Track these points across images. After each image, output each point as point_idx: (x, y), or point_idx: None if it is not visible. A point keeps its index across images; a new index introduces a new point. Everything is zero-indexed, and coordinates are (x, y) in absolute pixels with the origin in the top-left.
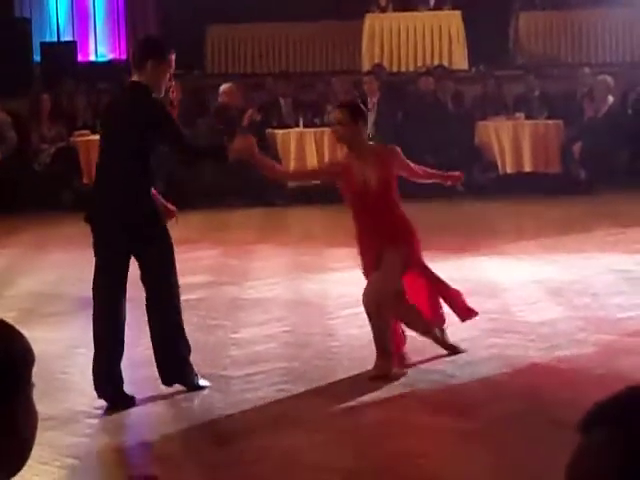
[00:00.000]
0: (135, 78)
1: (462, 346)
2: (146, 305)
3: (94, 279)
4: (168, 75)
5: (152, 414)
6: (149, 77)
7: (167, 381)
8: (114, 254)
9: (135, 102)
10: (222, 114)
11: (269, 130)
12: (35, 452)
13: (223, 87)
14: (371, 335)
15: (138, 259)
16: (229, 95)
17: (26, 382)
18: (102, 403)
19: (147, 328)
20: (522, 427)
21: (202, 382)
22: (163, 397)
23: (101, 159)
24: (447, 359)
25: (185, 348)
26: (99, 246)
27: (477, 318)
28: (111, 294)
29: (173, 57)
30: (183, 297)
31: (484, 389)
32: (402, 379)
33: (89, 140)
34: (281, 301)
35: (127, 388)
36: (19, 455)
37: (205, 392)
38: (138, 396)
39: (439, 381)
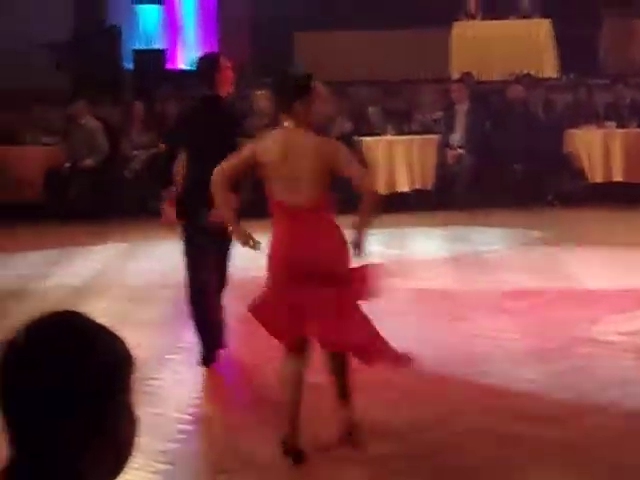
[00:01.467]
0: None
1: None
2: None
3: (192, 272)
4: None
5: (241, 420)
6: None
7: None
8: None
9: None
10: None
11: (357, 138)
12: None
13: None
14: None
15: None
16: (323, 99)
17: (126, 387)
18: (194, 410)
19: None
20: (615, 439)
21: None
22: (252, 404)
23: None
24: (537, 369)
25: None
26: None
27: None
28: (206, 282)
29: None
30: None
31: (577, 400)
32: (494, 387)
33: None
34: None
35: None
36: (115, 459)
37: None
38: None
39: (530, 391)
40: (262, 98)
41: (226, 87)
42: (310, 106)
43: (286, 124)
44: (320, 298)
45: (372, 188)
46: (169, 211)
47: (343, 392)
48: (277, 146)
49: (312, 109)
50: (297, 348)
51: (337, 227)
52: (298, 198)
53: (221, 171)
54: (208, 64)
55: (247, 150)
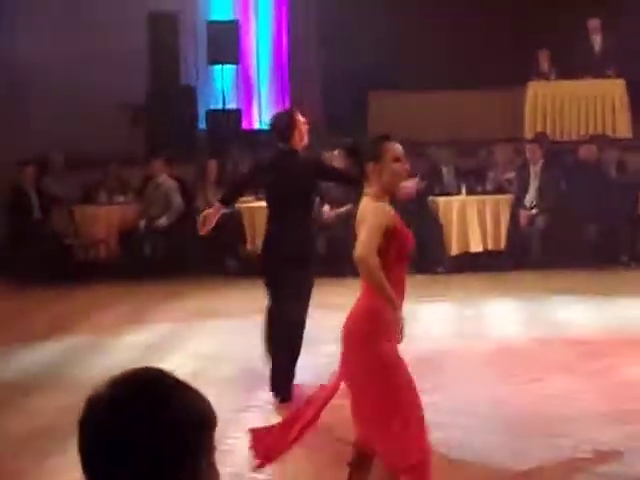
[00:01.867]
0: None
1: None
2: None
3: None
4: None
5: (322, 476)
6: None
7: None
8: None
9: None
10: None
11: (431, 197)
12: None
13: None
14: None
15: None
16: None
17: (206, 444)
18: (272, 466)
19: None
20: None
21: None
22: (332, 458)
23: None
24: (614, 430)
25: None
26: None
27: None
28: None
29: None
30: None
31: None
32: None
33: (253, 207)
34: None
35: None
36: None
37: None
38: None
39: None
40: (336, 159)
41: (301, 142)
42: (383, 169)
43: (366, 189)
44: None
45: (358, 258)
46: (209, 221)
47: None
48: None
49: (387, 172)
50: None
51: (369, 304)
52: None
53: (373, 253)
54: (284, 119)
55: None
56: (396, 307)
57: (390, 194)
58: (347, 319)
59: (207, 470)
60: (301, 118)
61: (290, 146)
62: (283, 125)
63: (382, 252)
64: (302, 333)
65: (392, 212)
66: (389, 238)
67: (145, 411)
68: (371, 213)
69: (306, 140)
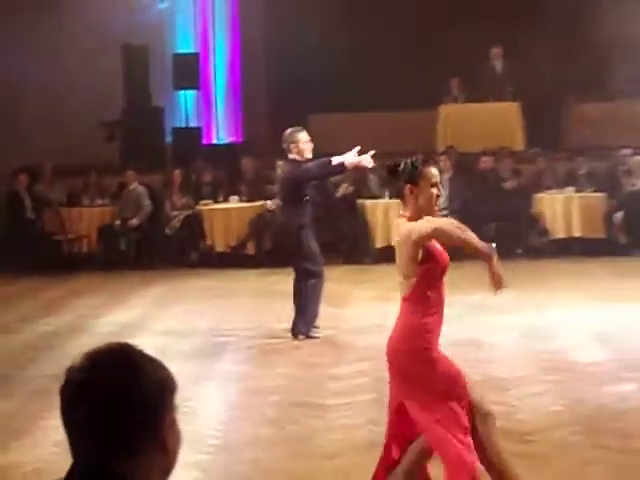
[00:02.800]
0: None
1: None
2: None
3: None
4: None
5: (262, 435)
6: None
7: None
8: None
9: None
10: None
11: (360, 200)
12: None
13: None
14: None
15: None
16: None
17: (172, 405)
18: (223, 427)
19: None
20: (580, 452)
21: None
22: (271, 421)
23: None
24: (511, 392)
25: None
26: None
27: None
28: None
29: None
30: (284, 342)
31: (544, 418)
32: None
33: (212, 209)
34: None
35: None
36: (166, 466)
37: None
38: (246, 424)
39: (504, 411)
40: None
41: (305, 154)
42: (420, 193)
43: (402, 211)
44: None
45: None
46: None
47: None
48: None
49: (424, 196)
50: None
51: (412, 322)
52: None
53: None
54: (292, 136)
55: None
56: (486, 250)
57: (422, 217)
58: (392, 341)
59: (170, 426)
60: (307, 137)
61: (295, 157)
62: (290, 140)
63: (427, 272)
64: None
65: None
66: (430, 258)
67: (117, 377)
68: (419, 223)
69: (310, 154)
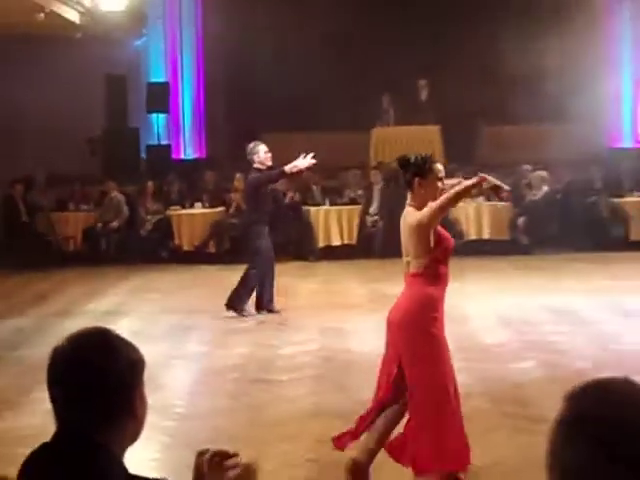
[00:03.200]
0: None
1: None
2: None
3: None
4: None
5: (221, 406)
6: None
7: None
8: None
9: None
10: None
11: (305, 207)
12: None
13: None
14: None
15: None
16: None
17: (142, 381)
18: (188, 398)
19: None
20: (486, 419)
21: None
22: (229, 394)
23: None
24: None
25: None
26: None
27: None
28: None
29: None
30: (241, 325)
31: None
32: None
33: (180, 214)
34: (313, 326)
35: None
36: (136, 431)
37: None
38: (208, 396)
39: None
40: (239, 180)
41: (266, 162)
42: (428, 185)
43: (409, 200)
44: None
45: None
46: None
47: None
48: None
49: (431, 188)
50: None
51: (418, 293)
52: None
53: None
54: (254, 149)
55: None
56: (475, 182)
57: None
58: (396, 310)
59: (139, 399)
60: (267, 151)
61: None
62: (253, 153)
63: (431, 252)
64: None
65: None
66: (440, 242)
67: (96, 357)
68: (424, 211)
69: (269, 163)
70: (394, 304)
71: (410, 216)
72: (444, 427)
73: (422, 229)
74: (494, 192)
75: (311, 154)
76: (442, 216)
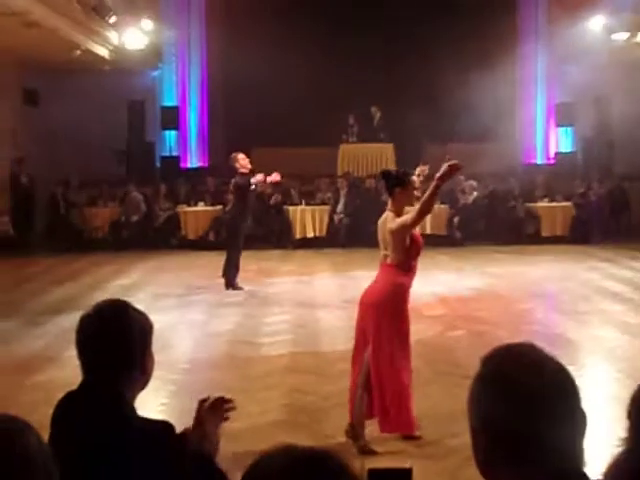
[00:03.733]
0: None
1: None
2: None
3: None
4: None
5: (217, 363)
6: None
7: None
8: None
9: None
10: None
11: (285, 206)
12: (151, 382)
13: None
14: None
15: None
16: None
17: (150, 342)
18: (191, 356)
19: None
20: (425, 376)
21: None
22: (223, 354)
23: None
24: None
25: None
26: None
27: None
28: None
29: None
30: (233, 299)
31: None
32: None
33: (186, 210)
34: (290, 300)
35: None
36: (144, 382)
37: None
38: (206, 355)
39: None
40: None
41: (247, 166)
42: (406, 194)
43: (389, 206)
44: None
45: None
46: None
47: None
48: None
49: (408, 197)
50: None
51: (390, 280)
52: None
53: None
54: (234, 158)
55: None
56: (437, 182)
57: (404, 210)
58: (371, 293)
59: (148, 356)
60: (245, 157)
61: (238, 170)
62: (233, 161)
63: (407, 250)
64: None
65: None
66: (413, 241)
67: (115, 322)
68: (404, 217)
69: (248, 168)
70: (368, 288)
71: (391, 221)
72: (404, 397)
73: (404, 231)
74: (455, 173)
75: (278, 174)
76: (422, 221)
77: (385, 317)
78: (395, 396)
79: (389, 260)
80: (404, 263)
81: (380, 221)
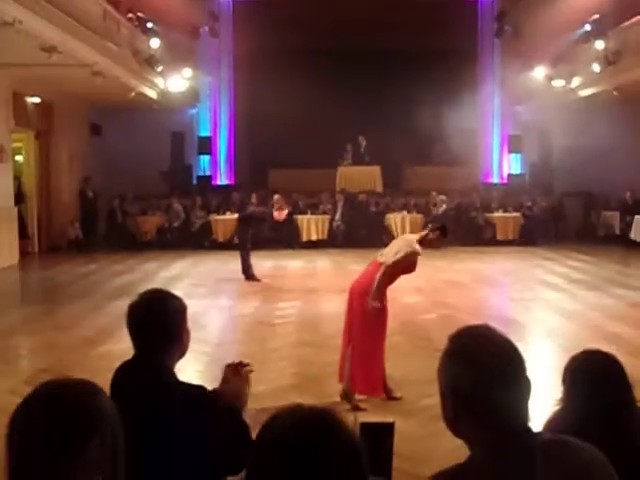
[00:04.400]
0: None
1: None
2: None
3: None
4: None
5: (241, 339)
6: None
7: None
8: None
9: None
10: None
11: (295, 216)
12: (188, 354)
13: (276, 197)
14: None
15: None
16: (280, 203)
17: (186, 320)
18: (220, 333)
19: None
20: (405, 349)
21: None
22: (245, 331)
23: None
24: None
25: None
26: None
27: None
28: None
29: None
30: (253, 288)
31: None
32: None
33: (217, 219)
34: (298, 289)
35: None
36: (182, 352)
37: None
38: (232, 332)
39: None
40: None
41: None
42: (435, 237)
43: (417, 236)
44: None
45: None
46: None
47: None
48: None
49: (435, 239)
50: None
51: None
52: None
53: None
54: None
55: None
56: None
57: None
58: (359, 283)
59: (185, 331)
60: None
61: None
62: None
63: (389, 281)
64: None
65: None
66: (412, 262)
67: (157, 306)
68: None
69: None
70: (357, 278)
71: (414, 244)
72: (372, 363)
73: (414, 256)
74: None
75: (286, 211)
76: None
77: (368, 303)
78: (363, 358)
79: (383, 259)
80: (397, 267)
81: (402, 237)
